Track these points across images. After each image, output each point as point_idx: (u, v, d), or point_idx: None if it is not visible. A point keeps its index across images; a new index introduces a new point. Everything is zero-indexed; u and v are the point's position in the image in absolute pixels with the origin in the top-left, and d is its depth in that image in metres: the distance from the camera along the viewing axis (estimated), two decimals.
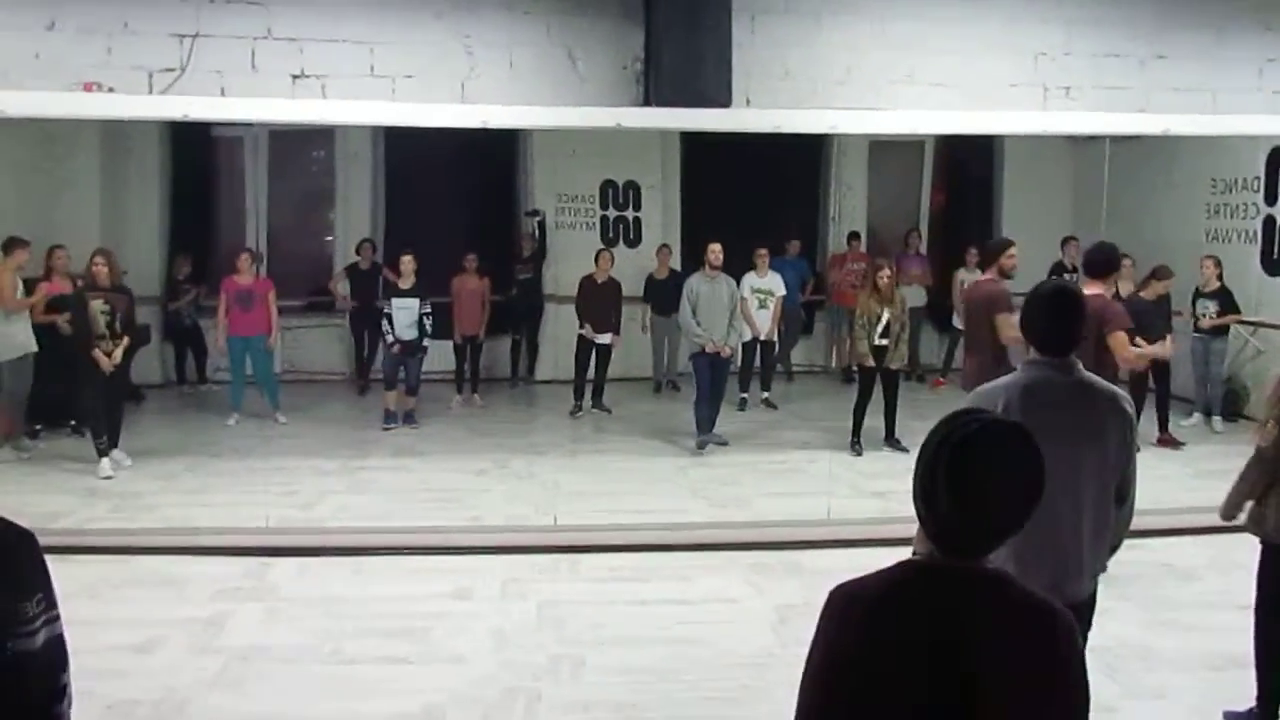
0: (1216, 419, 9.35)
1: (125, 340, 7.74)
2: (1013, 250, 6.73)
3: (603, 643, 4.91)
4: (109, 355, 7.60)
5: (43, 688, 1.95)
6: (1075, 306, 3.11)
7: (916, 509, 1.86)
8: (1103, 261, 5.68)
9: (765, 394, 10.42)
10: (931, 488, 1.81)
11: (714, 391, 8.59)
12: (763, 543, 6.21)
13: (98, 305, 7.61)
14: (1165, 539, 6.13)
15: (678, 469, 8.11)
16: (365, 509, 6.96)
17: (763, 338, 10.16)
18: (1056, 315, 3.08)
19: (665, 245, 11.08)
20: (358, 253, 10.90)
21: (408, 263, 9.25)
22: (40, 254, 8.47)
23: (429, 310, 9.32)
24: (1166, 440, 8.80)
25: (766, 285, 10.11)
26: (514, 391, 11.26)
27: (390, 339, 9.24)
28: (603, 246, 10.59)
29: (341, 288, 11.06)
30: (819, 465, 7.87)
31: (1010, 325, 5.87)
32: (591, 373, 9.98)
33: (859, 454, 8.45)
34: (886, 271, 8.72)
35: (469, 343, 10.40)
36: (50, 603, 1.97)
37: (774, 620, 5.18)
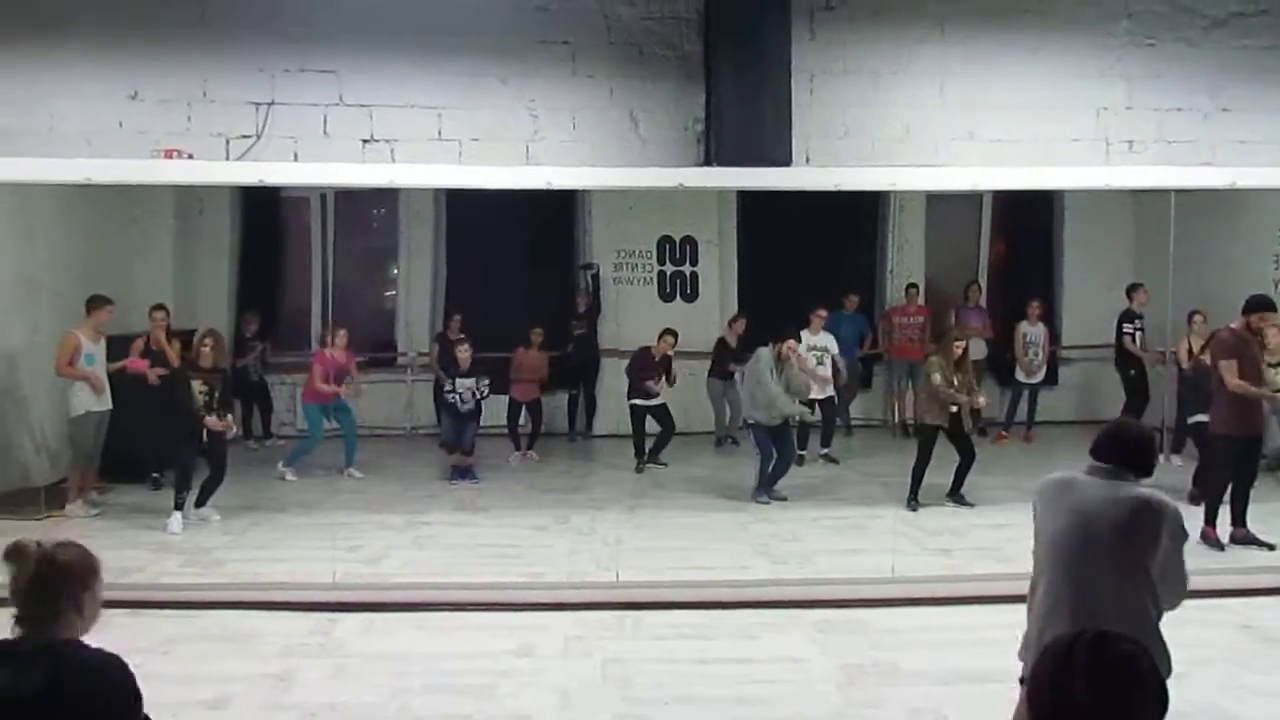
0: None
1: (229, 416, 8.12)
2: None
3: (668, 701, 4.89)
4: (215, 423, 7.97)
5: None
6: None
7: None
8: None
9: (825, 449, 10.37)
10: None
11: (781, 455, 8.70)
12: (826, 600, 6.14)
13: (197, 385, 7.93)
14: (1245, 599, 5.98)
15: (739, 525, 8.08)
16: (429, 564, 7.02)
17: (821, 396, 10.09)
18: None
19: (740, 316, 11.02)
20: (446, 324, 11.08)
21: (464, 351, 9.54)
22: (124, 313, 8.75)
23: (486, 384, 9.54)
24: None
25: (821, 343, 10.13)
26: (572, 446, 11.32)
27: (459, 407, 9.49)
28: (668, 328, 10.46)
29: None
30: (881, 521, 7.80)
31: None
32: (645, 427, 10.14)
33: (914, 509, 8.35)
34: (962, 342, 8.59)
35: (525, 405, 10.56)
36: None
37: (840, 680, 5.11)
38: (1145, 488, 3.30)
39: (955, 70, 6.95)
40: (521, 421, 10.55)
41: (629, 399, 10.15)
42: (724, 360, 10.62)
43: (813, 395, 9.72)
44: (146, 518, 8.06)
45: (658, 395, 10.08)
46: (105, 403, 8.33)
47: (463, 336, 9.90)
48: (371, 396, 11.52)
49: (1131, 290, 10.59)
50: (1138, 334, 10.27)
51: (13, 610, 2.35)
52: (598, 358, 11.40)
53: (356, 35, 6.58)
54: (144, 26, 6.46)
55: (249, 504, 8.58)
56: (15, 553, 2.38)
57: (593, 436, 11.47)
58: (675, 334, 10.26)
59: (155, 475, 9.01)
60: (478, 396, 9.55)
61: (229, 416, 8.20)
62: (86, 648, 2.35)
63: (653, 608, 6.07)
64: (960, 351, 8.49)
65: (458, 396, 9.49)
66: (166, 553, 7.25)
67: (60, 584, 2.36)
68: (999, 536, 7.57)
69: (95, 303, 8.24)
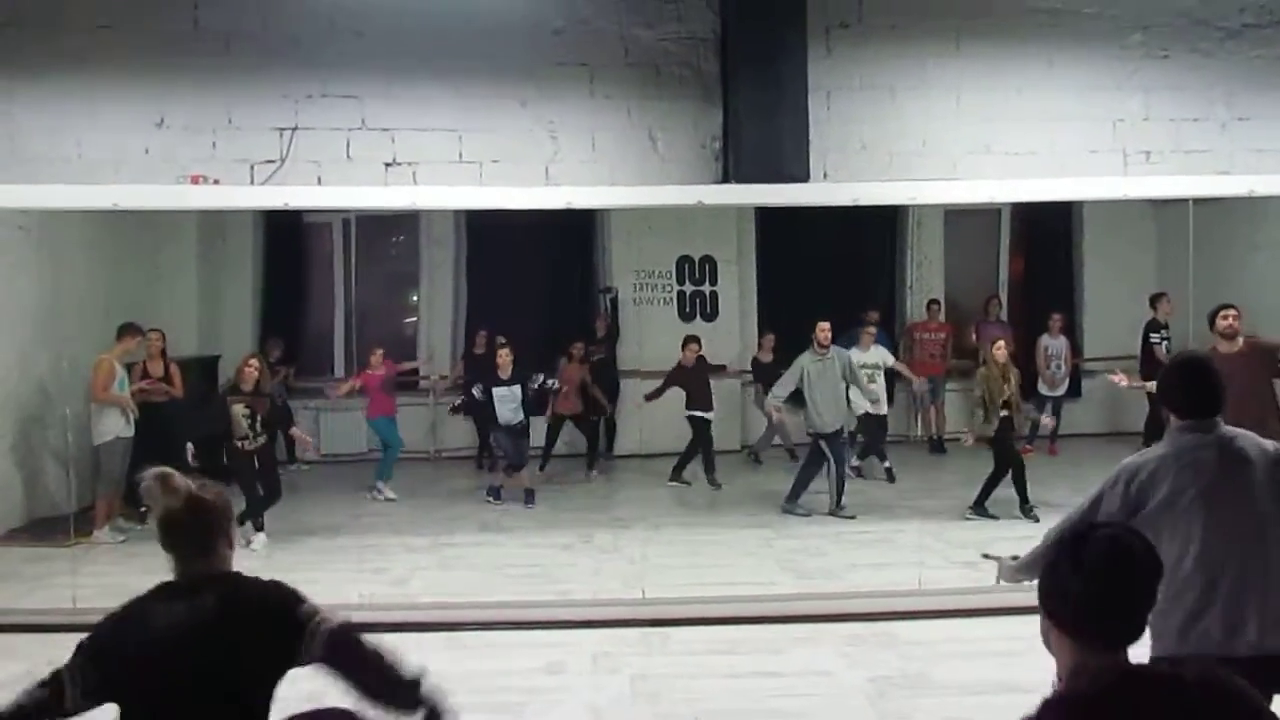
0: None
1: (264, 436, 8.22)
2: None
3: (698, 716, 4.89)
4: (252, 448, 8.12)
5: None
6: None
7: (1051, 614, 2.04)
8: None
9: (886, 464, 10.20)
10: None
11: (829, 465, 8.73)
12: (854, 614, 6.13)
13: (239, 409, 8.05)
14: None
15: (763, 541, 8.07)
16: (455, 585, 7.04)
17: (875, 411, 9.91)
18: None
19: (770, 333, 11.11)
20: (471, 342, 11.16)
21: (505, 354, 9.34)
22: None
23: (541, 378, 9.39)
24: None
25: (873, 359, 10.06)
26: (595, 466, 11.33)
27: (504, 419, 9.32)
28: (691, 335, 10.54)
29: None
30: (906, 535, 7.79)
31: None
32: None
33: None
34: (1001, 344, 8.61)
35: (571, 420, 10.63)
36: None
37: (871, 693, 5.10)
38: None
39: (971, 84, 6.98)
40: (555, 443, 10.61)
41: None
42: (764, 376, 10.62)
43: (868, 410, 9.64)
44: None
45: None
46: (131, 428, 8.42)
47: (503, 340, 9.56)
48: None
49: (1155, 300, 10.54)
50: (1165, 343, 10.23)
51: (165, 543, 2.57)
52: (617, 381, 11.44)
53: (378, 61, 6.67)
54: (170, 55, 6.57)
55: (275, 527, 8.62)
56: (163, 481, 2.56)
57: (614, 457, 11.49)
58: (698, 342, 10.24)
59: None
60: (544, 388, 9.32)
61: (295, 431, 8.59)
62: (246, 576, 2.61)
63: (679, 624, 6.07)
64: (1002, 355, 8.52)
65: (503, 406, 9.17)
66: None
67: (214, 519, 2.60)
68: (1024, 549, 7.54)
69: (126, 331, 8.36)
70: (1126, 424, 11.02)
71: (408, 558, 7.69)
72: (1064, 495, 8.47)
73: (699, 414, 10.02)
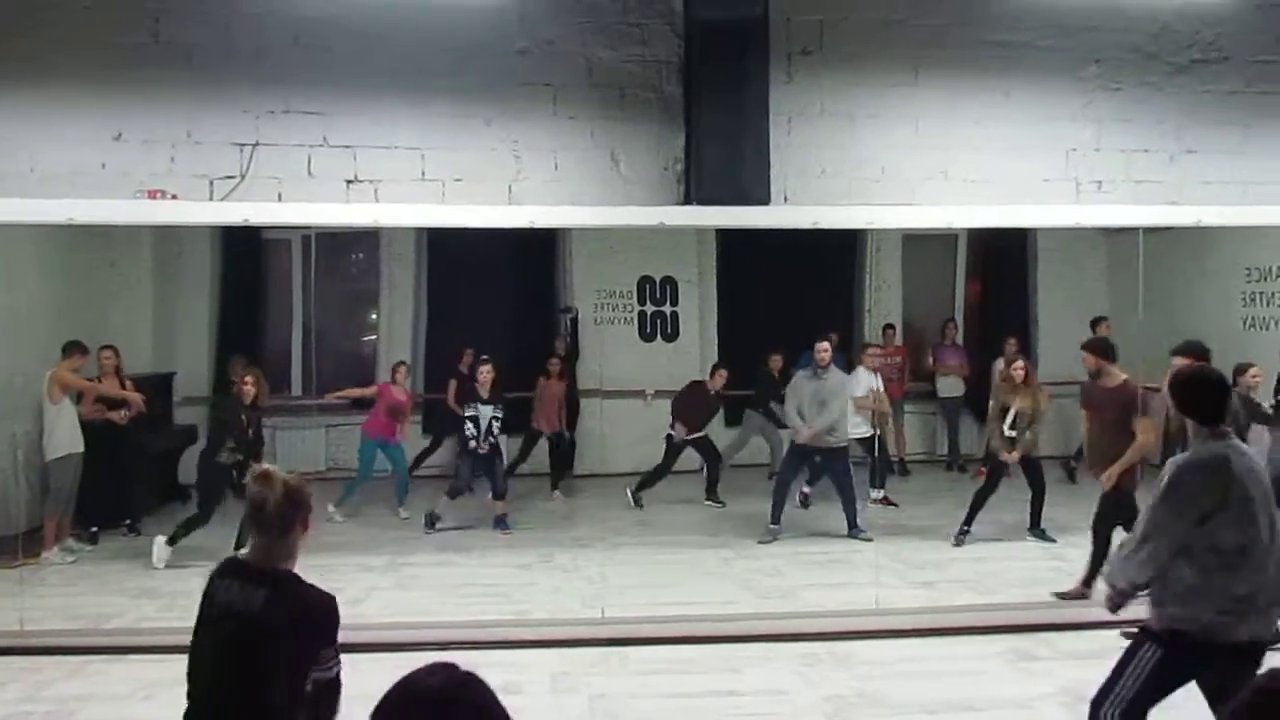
0: None
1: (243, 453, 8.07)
2: None
3: None
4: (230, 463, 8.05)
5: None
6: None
7: None
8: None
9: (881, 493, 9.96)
10: None
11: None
12: (811, 633, 6.18)
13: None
14: None
15: (722, 561, 8.10)
16: (412, 605, 6.99)
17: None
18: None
19: (724, 369, 10.82)
20: (460, 359, 11.04)
21: (487, 373, 9.22)
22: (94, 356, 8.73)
23: (500, 414, 9.26)
24: None
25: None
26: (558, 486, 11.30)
27: (474, 443, 9.15)
28: (717, 362, 10.65)
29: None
30: (863, 555, 7.85)
31: None
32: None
33: (960, 544, 8.35)
34: (1019, 364, 8.64)
35: (552, 439, 10.60)
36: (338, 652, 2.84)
37: (827, 712, 5.13)
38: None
39: (929, 113, 7.10)
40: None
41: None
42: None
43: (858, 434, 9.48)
44: (124, 563, 7.99)
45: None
46: (79, 445, 8.29)
47: (485, 358, 9.32)
48: (351, 439, 11.49)
49: (1095, 324, 10.74)
50: None
51: (254, 527, 2.91)
52: (577, 401, 11.44)
53: (341, 78, 6.65)
54: (129, 68, 6.51)
55: (228, 547, 8.50)
56: (264, 478, 2.89)
57: (574, 476, 11.47)
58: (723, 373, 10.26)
59: (128, 521, 8.94)
60: (493, 427, 9.10)
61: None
62: (304, 583, 2.87)
63: (639, 643, 6.08)
64: (1022, 373, 8.50)
65: (473, 429, 9.04)
66: (146, 598, 7.18)
67: (297, 503, 2.90)
68: (980, 569, 7.65)
69: (72, 348, 8.22)
70: (1077, 446, 11.16)
71: (364, 578, 7.62)
72: (1016, 515, 8.60)
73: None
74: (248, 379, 8.13)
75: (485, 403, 9.15)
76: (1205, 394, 3.69)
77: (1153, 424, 6.82)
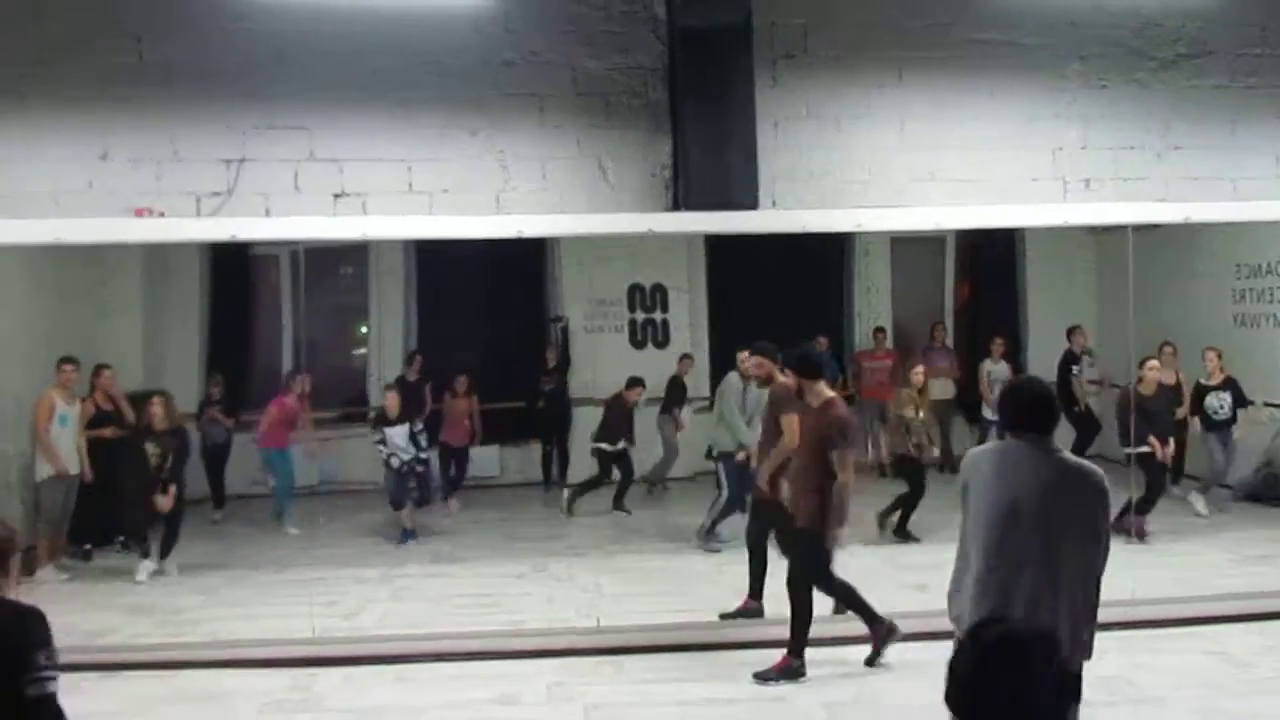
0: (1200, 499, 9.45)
1: (173, 488, 8.13)
2: None
3: None
4: (160, 499, 8.08)
5: None
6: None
7: None
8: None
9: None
10: None
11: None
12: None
13: (150, 449, 8.04)
14: (1217, 626, 6.04)
15: (714, 567, 8.08)
16: (407, 616, 6.98)
17: None
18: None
19: (688, 355, 11.28)
20: (409, 364, 11.08)
21: (392, 397, 9.51)
22: (88, 373, 8.70)
23: (420, 428, 9.51)
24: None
25: None
26: (547, 496, 11.30)
27: (393, 461, 9.33)
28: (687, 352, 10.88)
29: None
30: (857, 559, 7.81)
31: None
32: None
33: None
34: (919, 369, 8.78)
35: (453, 453, 10.81)
36: (54, 661, 2.80)
37: (824, 717, 5.12)
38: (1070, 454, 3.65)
39: (915, 114, 7.10)
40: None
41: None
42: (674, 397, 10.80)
43: None
44: (117, 580, 7.97)
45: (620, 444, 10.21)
46: (74, 467, 8.27)
47: (419, 378, 9.77)
48: (346, 452, 11.46)
49: (1071, 332, 10.81)
50: (1080, 376, 10.66)
51: None
52: (569, 411, 11.44)
53: (326, 91, 6.63)
54: (113, 87, 6.47)
55: (220, 562, 8.49)
56: None
57: (567, 486, 11.43)
58: (643, 383, 10.33)
59: (121, 538, 8.92)
60: (417, 440, 9.38)
61: (172, 489, 8.13)
62: (5, 599, 2.96)
63: (634, 652, 6.06)
64: (920, 379, 8.87)
65: (385, 449, 9.29)
66: (139, 614, 7.16)
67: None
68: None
69: (65, 362, 8.26)
70: (1064, 445, 11.17)
71: (359, 590, 7.60)
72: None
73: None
74: (153, 403, 8.22)
75: (391, 424, 9.34)
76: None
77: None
